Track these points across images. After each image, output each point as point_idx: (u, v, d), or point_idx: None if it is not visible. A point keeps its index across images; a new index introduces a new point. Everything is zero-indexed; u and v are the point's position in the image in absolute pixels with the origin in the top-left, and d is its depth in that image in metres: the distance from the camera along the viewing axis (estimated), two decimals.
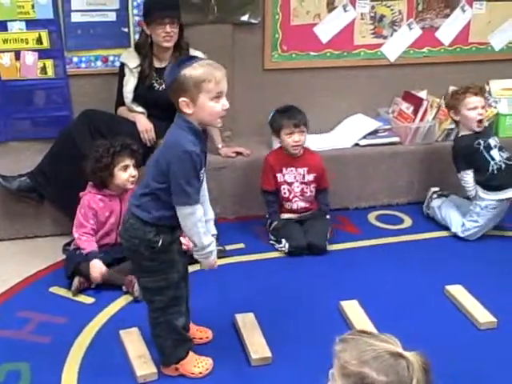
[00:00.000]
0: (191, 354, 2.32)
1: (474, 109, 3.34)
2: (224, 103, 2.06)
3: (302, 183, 3.29)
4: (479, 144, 3.33)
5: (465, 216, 3.40)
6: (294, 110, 3.27)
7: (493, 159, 3.32)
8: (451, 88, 3.87)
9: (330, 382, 1.37)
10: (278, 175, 3.28)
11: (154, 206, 2.12)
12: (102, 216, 2.92)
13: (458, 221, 3.41)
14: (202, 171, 2.14)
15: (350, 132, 3.78)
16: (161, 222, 2.13)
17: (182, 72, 2.01)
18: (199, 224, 2.11)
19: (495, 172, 3.32)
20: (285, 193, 3.30)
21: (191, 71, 2.01)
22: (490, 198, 3.33)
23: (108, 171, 2.87)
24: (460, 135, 3.45)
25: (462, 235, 3.37)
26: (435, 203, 3.58)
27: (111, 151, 2.86)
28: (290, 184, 3.29)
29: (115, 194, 2.94)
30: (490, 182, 3.33)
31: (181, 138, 2.06)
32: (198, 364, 2.31)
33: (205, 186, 2.25)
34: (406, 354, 1.31)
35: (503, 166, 3.32)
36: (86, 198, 2.91)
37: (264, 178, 3.32)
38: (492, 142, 3.36)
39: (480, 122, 3.34)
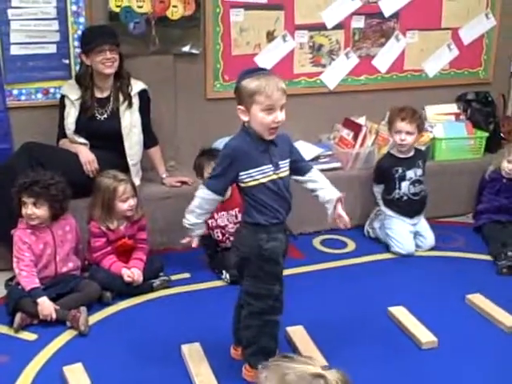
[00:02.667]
0: None
1: (398, 133, 3.50)
2: (276, 116, 2.19)
3: (236, 223, 3.18)
4: (396, 172, 3.54)
5: None
6: (217, 151, 2.99)
7: (399, 189, 3.55)
8: (388, 114, 4.01)
9: None
10: (210, 221, 3.19)
11: (249, 208, 2.30)
12: (37, 249, 2.89)
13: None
14: (261, 168, 2.24)
15: None
16: (264, 222, 2.28)
17: (241, 82, 2.19)
18: (194, 208, 2.30)
19: (394, 199, 3.58)
20: (218, 236, 3.30)
21: (247, 83, 2.18)
22: (386, 213, 3.60)
23: (18, 205, 2.88)
24: (388, 153, 3.66)
25: (396, 252, 3.52)
26: (376, 224, 3.68)
27: (15, 189, 2.86)
28: (223, 227, 3.28)
29: (43, 225, 2.91)
30: (389, 203, 3.60)
31: (234, 138, 2.29)
32: None
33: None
34: (325, 373, 1.35)
35: (405, 198, 3.57)
36: (17, 234, 2.89)
37: None
38: (410, 174, 3.55)
39: (400, 146, 3.52)
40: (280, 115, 2.20)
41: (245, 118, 2.23)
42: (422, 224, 3.63)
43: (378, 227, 3.69)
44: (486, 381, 2.46)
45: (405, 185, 3.55)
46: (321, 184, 2.42)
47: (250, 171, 2.24)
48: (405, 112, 3.50)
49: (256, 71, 2.24)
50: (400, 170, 3.54)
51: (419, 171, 3.58)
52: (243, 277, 2.42)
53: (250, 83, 2.18)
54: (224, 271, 3.18)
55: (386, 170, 3.58)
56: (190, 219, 2.33)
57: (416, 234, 3.59)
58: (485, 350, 2.66)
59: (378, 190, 3.68)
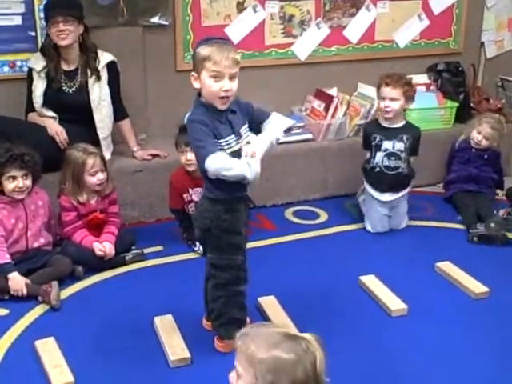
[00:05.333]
0: None
1: (382, 99, 3.39)
2: (224, 85, 2.17)
3: None
4: (374, 139, 3.41)
5: None
6: None
7: (374, 158, 3.43)
8: (360, 84, 4.02)
9: (235, 382, 1.40)
10: (185, 195, 3.22)
11: (212, 184, 2.27)
12: (8, 223, 2.87)
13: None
14: (226, 139, 2.22)
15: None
16: (224, 197, 2.28)
17: (197, 49, 2.23)
18: (226, 165, 2.17)
19: (368, 169, 3.47)
20: (192, 210, 3.22)
21: (201, 49, 2.21)
22: (364, 184, 3.51)
23: None
24: (375, 118, 3.56)
25: (369, 230, 3.49)
26: (361, 198, 3.67)
27: None
28: (196, 203, 3.23)
29: (16, 199, 2.88)
30: (365, 172, 3.50)
31: (191, 113, 2.27)
32: None
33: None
34: (303, 335, 1.41)
35: (377, 169, 3.43)
36: None
37: (170, 198, 3.28)
38: (387, 145, 3.38)
39: (385, 113, 3.38)
40: (228, 84, 2.18)
41: (196, 85, 2.23)
42: (399, 210, 3.52)
43: (361, 200, 3.60)
44: (454, 346, 2.51)
45: (379, 155, 3.39)
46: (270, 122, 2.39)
47: (219, 141, 2.22)
48: (390, 77, 3.35)
49: (214, 39, 2.24)
50: (377, 139, 3.38)
51: (399, 145, 3.37)
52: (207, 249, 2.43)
53: (203, 49, 2.20)
54: (198, 243, 3.16)
55: (366, 135, 3.46)
56: (234, 168, 2.17)
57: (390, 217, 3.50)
58: (453, 317, 2.71)
59: (367, 156, 3.53)
